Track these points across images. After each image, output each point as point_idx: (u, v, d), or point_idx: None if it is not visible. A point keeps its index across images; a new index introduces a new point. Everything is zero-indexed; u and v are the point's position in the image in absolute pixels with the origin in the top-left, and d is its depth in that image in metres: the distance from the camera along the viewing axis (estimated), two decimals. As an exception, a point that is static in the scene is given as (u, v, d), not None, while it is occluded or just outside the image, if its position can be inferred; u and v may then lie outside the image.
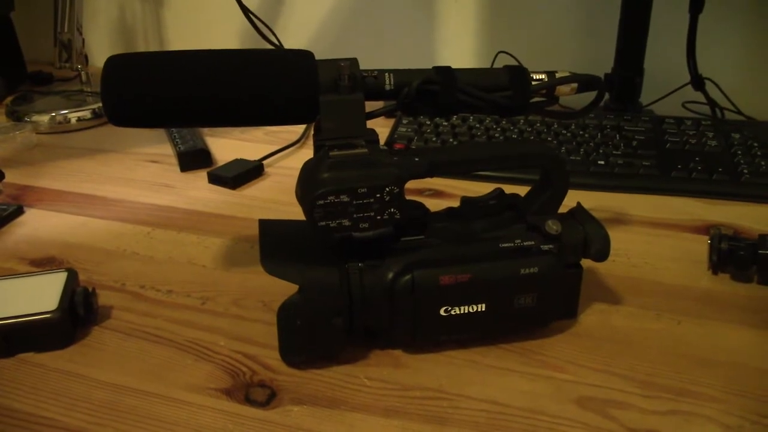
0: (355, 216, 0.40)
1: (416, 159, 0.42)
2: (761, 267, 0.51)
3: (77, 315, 0.47)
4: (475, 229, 0.46)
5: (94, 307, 0.48)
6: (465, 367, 0.44)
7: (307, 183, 0.40)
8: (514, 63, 0.91)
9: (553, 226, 0.44)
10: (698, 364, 0.43)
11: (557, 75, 0.49)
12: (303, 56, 0.43)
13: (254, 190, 0.70)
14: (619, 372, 0.43)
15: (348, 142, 0.41)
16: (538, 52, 0.94)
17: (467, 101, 0.46)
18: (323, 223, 0.39)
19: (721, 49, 0.86)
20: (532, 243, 0.44)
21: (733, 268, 0.52)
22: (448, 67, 0.46)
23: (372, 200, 0.39)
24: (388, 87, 0.44)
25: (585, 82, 0.49)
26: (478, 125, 0.78)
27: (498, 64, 0.91)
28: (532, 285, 0.43)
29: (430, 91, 0.45)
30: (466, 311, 0.43)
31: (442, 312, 0.42)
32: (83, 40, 0.94)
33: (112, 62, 0.42)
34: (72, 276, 0.49)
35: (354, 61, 0.43)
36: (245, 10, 0.87)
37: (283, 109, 0.43)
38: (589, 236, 0.45)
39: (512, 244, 0.44)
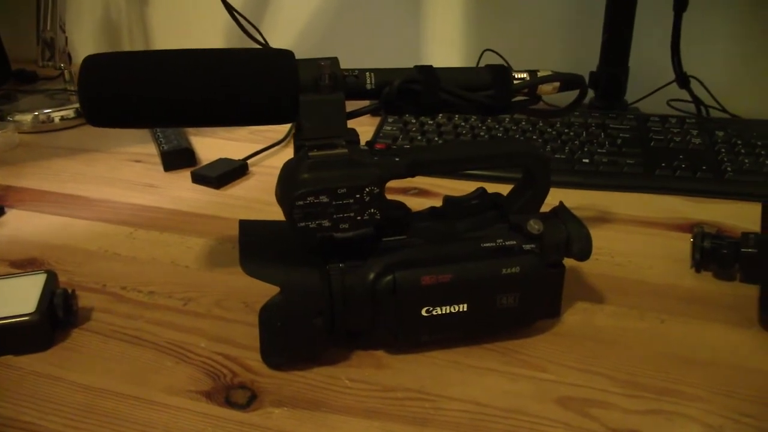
0: (335, 216, 0.39)
1: (396, 159, 0.42)
2: (744, 265, 0.51)
3: (56, 317, 0.46)
4: (457, 228, 0.45)
5: (74, 309, 0.48)
6: (447, 368, 0.43)
7: (287, 183, 0.40)
8: (500, 61, 0.91)
9: (535, 226, 0.44)
10: (681, 363, 0.43)
11: (539, 74, 0.49)
12: (283, 55, 0.43)
13: (238, 190, 0.70)
14: (601, 371, 0.43)
15: (328, 142, 0.41)
16: (524, 49, 0.94)
17: (449, 100, 0.46)
18: (303, 224, 0.39)
19: (705, 47, 0.86)
20: (514, 243, 0.44)
21: (716, 267, 0.52)
22: (430, 66, 0.46)
23: (352, 201, 0.39)
24: (369, 86, 0.44)
25: (567, 81, 0.49)
26: (463, 124, 0.77)
27: (484, 63, 0.92)
28: (514, 285, 0.43)
29: (411, 91, 0.45)
30: (447, 311, 0.42)
31: (423, 312, 0.42)
32: (66, 38, 0.93)
33: (89, 62, 0.41)
34: (51, 277, 0.48)
35: (335, 61, 0.43)
36: (230, 9, 0.86)
37: (262, 109, 0.42)
38: (572, 235, 0.45)
39: (494, 244, 0.44)
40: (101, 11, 1.15)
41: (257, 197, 0.68)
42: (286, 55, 0.43)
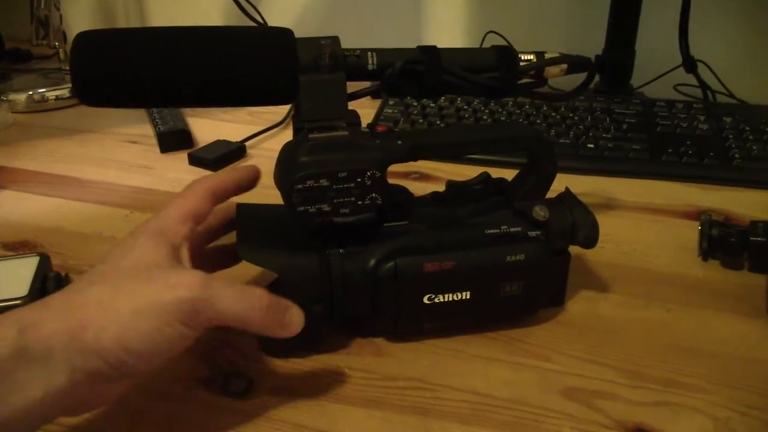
0: (335, 201, 0.38)
1: (399, 142, 0.40)
2: (752, 254, 0.50)
3: (49, 301, 0.45)
4: (460, 214, 0.44)
5: (67, 294, 0.46)
6: (448, 357, 0.42)
7: (286, 166, 0.39)
8: (504, 43, 0.89)
9: (540, 212, 0.43)
10: (687, 354, 0.42)
11: (546, 56, 0.47)
12: (282, 34, 0.41)
13: (236, 173, 0.68)
14: (606, 362, 0.42)
15: (328, 124, 0.39)
16: (528, 31, 0.92)
17: (453, 82, 0.44)
18: (302, 209, 0.38)
19: (713, 31, 0.85)
20: (519, 229, 0.43)
21: (724, 255, 0.51)
22: (434, 47, 0.44)
23: (352, 185, 0.38)
24: (371, 67, 0.43)
25: (575, 64, 0.48)
26: (465, 107, 0.76)
27: (487, 44, 0.90)
28: (519, 273, 0.42)
29: (415, 72, 0.43)
30: (450, 299, 0.41)
31: (425, 300, 0.41)
32: (61, 16, 0.91)
33: (81, 38, 0.40)
34: (44, 261, 0.47)
35: (335, 40, 0.42)
36: (228, -13, 0.84)
37: (260, 89, 0.41)
38: (577, 222, 0.44)
39: (498, 231, 0.43)
40: (97, -11, 1.13)
41: (255, 180, 0.66)
42: (285, 33, 0.42)
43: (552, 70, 0.48)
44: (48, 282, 0.45)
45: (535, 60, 0.47)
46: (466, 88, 0.45)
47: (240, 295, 0.35)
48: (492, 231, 0.43)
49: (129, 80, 0.39)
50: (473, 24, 0.96)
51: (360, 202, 0.39)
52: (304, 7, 1.03)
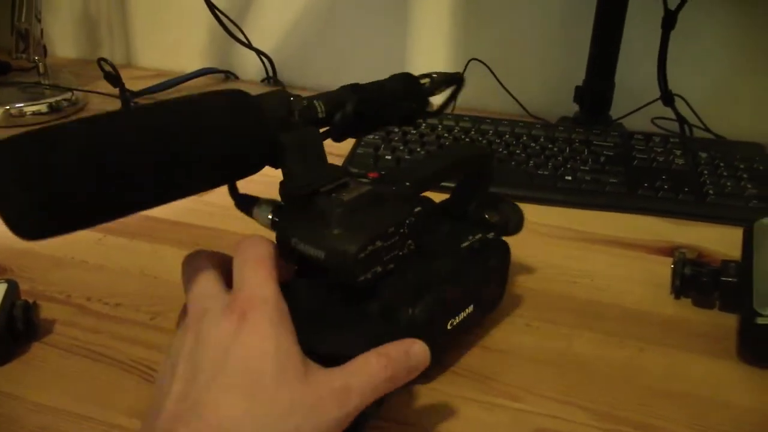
0: (385, 259, 0.37)
1: (407, 184, 0.40)
2: (723, 293, 0.50)
3: (16, 330, 0.44)
4: (426, 240, 0.43)
5: (34, 322, 0.46)
6: (420, 395, 0.42)
7: (328, 238, 0.36)
8: (486, 71, 0.90)
9: (494, 216, 0.47)
10: (660, 396, 0.43)
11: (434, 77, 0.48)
12: (246, 98, 0.36)
13: (215, 197, 0.67)
14: (579, 403, 0.42)
15: (340, 182, 0.38)
16: (509, 60, 0.93)
17: (385, 116, 0.44)
18: (363, 278, 0.36)
19: (691, 66, 0.86)
20: (480, 235, 0.45)
21: (696, 293, 0.52)
22: (357, 84, 0.43)
23: (397, 238, 0.37)
24: (320, 114, 0.40)
25: (450, 81, 0.48)
26: (446, 135, 0.76)
27: (469, 72, 0.90)
28: (497, 273, 0.46)
29: (359, 112, 0.43)
30: (462, 317, 0.43)
31: (449, 326, 0.42)
32: (42, 29, 0.90)
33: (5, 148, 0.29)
34: (12, 288, 0.46)
35: (286, 92, 0.39)
36: (212, 8, 0.84)
37: (238, 162, 0.38)
38: (510, 217, 0.48)
39: (469, 242, 0.45)
40: (81, 2, 1.12)
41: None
42: (247, 97, 0.37)
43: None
44: (15, 310, 0.45)
45: (429, 82, 0.47)
46: (394, 119, 0.45)
47: (371, 380, 0.33)
48: (465, 244, 0.45)
49: (79, 200, 0.30)
50: (459, 51, 0.96)
51: (401, 253, 0.38)
52: (289, 28, 1.03)
